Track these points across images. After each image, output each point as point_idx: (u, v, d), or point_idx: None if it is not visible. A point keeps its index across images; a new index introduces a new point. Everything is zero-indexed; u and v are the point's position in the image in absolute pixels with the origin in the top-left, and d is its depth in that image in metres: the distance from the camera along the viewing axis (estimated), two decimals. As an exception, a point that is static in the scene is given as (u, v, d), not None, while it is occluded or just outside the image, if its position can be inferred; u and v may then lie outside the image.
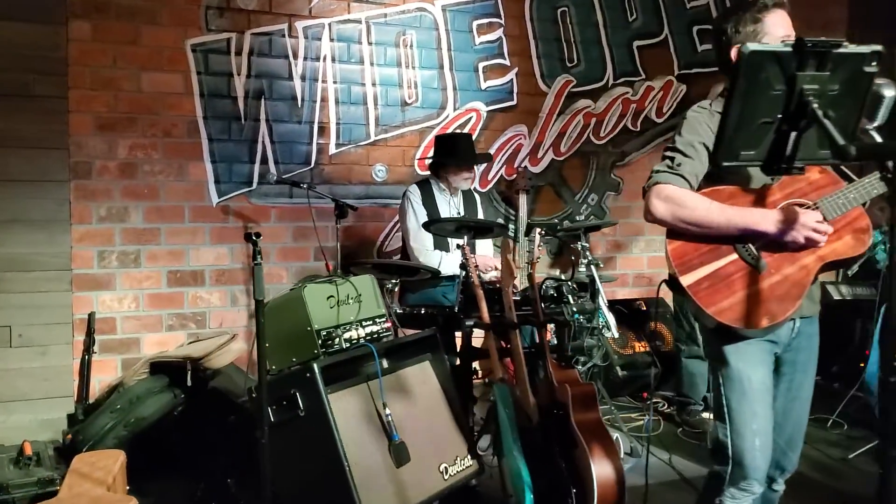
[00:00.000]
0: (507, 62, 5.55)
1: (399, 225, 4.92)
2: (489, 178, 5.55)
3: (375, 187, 5.24)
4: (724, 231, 2.21)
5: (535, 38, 5.61)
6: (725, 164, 1.77)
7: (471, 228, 3.59)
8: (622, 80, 5.88)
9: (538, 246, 3.40)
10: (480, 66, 5.47)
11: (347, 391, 2.87)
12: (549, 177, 5.75)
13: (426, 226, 3.91)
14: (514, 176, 5.51)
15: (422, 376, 3.23)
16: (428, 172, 4.88)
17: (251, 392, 2.87)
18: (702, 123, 2.31)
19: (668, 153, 2.31)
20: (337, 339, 2.90)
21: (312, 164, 5.04)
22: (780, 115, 1.70)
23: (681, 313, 4.68)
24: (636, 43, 5.92)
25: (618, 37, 5.85)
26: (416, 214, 4.47)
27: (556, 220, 5.75)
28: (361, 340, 3.02)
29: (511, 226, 5.19)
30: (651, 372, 5.11)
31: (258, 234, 2.48)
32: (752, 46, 1.66)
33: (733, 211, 2.20)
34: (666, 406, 5.05)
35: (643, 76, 5.94)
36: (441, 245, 4.48)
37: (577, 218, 5.82)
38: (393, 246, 5.30)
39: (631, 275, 6.04)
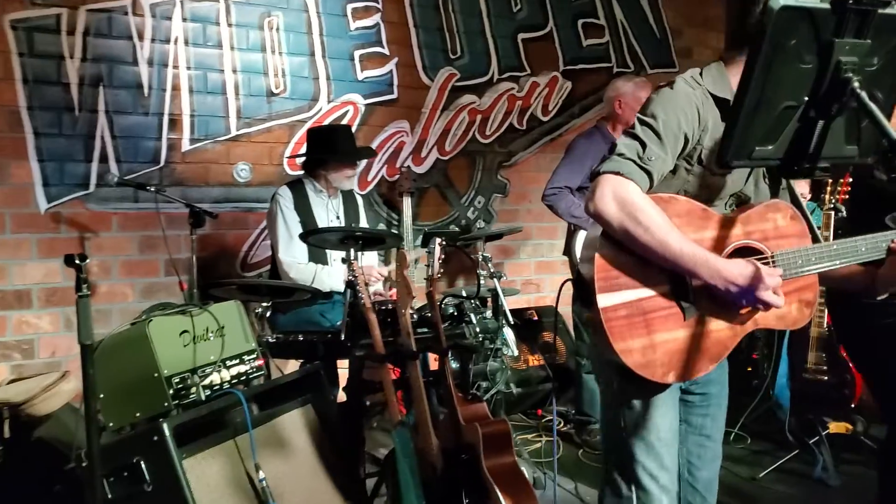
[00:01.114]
0: (386, 51, 5.01)
1: (267, 233, 4.29)
2: (369, 178, 4.99)
3: (237, 189, 4.57)
4: (671, 266, 1.76)
5: (415, 27, 5.11)
6: (735, 163, 1.31)
7: (359, 239, 3.02)
8: (507, 74, 5.48)
9: (439, 259, 2.89)
10: (357, 54, 4.91)
11: (209, 452, 2.25)
12: (434, 178, 5.26)
13: (304, 238, 3.31)
14: (397, 177, 4.98)
15: (303, 424, 2.64)
16: (301, 172, 4.28)
17: (80, 459, 2.19)
18: (692, 104, 1.84)
19: (640, 134, 1.79)
20: (194, 388, 2.27)
21: (162, 163, 4.32)
22: (807, 98, 1.25)
23: (581, 324, 4.30)
24: (521, 36, 5.53)
25: (502, 28, 5.44)
26: (287, 221, 3.86)
27: (456, 228, 5.28)
28: (226, 386, 2.40)
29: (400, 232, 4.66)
30: (547, 387, 4.72)
31: (83, 257, 1.83)
32: (782, 1, 1.20)
33: (692, 249, 1.74)
34: (562, 424, 4.67)
35: (528, 71, 5.56)
36: (317, 257, 3.89)
37: (463, 222, 5.37)
38: (259, 257, 4.65)
39: (518, 281, 5.64)
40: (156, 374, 2.21)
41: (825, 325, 3.85)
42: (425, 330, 3.07)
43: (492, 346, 3.54)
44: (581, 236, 4.21)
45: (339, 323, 3.57)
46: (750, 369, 5.55)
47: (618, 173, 1.74)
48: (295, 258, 3.84)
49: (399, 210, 4.95)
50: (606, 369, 1.96)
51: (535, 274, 5.71)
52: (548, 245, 5.70)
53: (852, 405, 3.87)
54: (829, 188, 3.85)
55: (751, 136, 1.26)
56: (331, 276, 3.83)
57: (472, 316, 3.14)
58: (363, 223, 4.19)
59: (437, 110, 5.22)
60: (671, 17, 6.17)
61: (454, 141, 5.31)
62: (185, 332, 2.33)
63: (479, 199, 5.46)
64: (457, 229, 5.33)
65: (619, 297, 1.77)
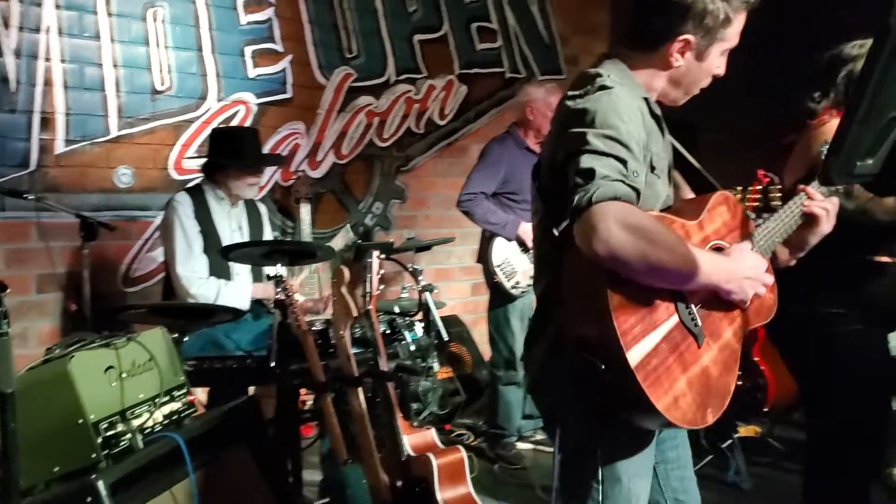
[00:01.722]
0: (280, 48, 4.70)
1: (160, 244, 3.90)
2: (262, 183, 4.65)
3: (118, 196, 4.12)
4: (690, 285, 1.58)
5: (310, 23, 4.82)
6: (840, 180, 1.19)
7: (287, 254, 2.74)
8: (404, 76, 5.29)
9: (378, 273, 2.67)
10: (248, 50, 4.57)
11: (146, 508, 1.92)
12: (330, 183, 4.99)
13: (225, 253, 2.97)
14: (293, 182, 4.67)
15: (240, 465, 2.34)
16: (190, 176, 3.92)
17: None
18: (636, 107, 1.66)
19: (608, 150, 1.54)
20: (126, 434, 1.93)
21: (32, 167, 3.81)
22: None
23: (496, 334, 4.17)
24: (417, 37, 5.36)
25: (398, 29, 5.25)
26: (187, 232, 3.48)
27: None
28: (157, 428, 2.07)
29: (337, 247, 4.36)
30: (457, 401, 4.58)
31: (3, 286, 1.49)
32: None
33: (706, 256, 1.60)
34: (472, 439, 4.53)
35: (425, 73, 5.40)
36: (219, 271, 3.54)
37: (361, 230, 5.13)
38: (143, 271, 4.22)
39: (417, 291, 5.45)
40: (80, 421, 1.86)
41: (739, 330, 3.92)
42: (357, 351, 2.83)
43: (423, 364, 3.34)
44: (499, 244, 4.09)
45: (246, 345, 3.29)
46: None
47: (615, 198, 1.48)
48: (195, 273, 3.48)
49: (294, 218, 4.65)
50: (581, 422, 1.69)
51: (433, 282, 5.53)
52: (445, 253, 5.55)
53: (765, 409, 3.96)
54: (738, 196, 3.93)
55: (857, 149, 1.15)
56: (237, 292, 3.50)
57: (406, 333, 2.93)
58: (267, 234, 3.87)
59: (333, 111, 4.96)
60: (559, 25, 6.19)
61: (351, 144, 5.07)
62: (110, 367, 1.98)
63: (377, 206, 5.24)
64: (355, 238, 5.09)
65: (644, 347, 1.51)
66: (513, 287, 4.06)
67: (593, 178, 1.51)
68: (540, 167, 1.84)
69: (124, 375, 2.00)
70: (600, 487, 1.66)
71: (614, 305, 1.50)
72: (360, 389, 2.51)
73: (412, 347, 2.96)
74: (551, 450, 4.46)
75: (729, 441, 4.00)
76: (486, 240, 4.19)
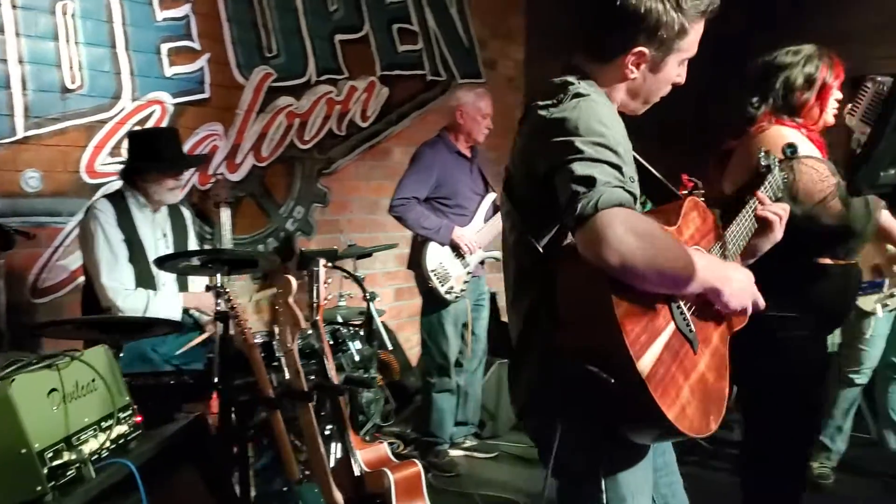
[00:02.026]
0: (197, 46, 4.50)
1: (74, 253, 3.66)
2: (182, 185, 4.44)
3: (26, 201, 3.84)
4: (689, 290, 1.58)
5: (228, 21, 4.64)
6: (865, 188, 1.21)
7: (226, 263, 2.61)
8: (325, 77, 5.17)
9: (324, 282, 2.57)
10: (164, 48, 4.35)
11: (98, 543, 1.77)
12: (250, 186, 4.82)
13: (160, 263, 2.80)
14: (211, 185, 4.48)
15: (186, 485, 2.20)
16: (103, 180, 3.71)
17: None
18: (614, 118, 1.64)
19: (600, 156, 1.52)
20: (75, 463, 1.78)
21: (-71, 170, 3.52)
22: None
23: (430, 340, 4.12)
24: (338, 37, 5.25)
25: (319, 28, 5.12)
26: (110, 240, 3.29)
27: (276, 242, 4.86)
28: (104, 454, 1.92)
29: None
30: (387, 408, 4.50)
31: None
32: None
33: (706, 261, 1.60)
34: (401, 447, 4.46)
35: (346, 74, 5.29)
36: (145, 280, 3.36)
37: (282, 235, 4.98)
38: (53, 280, 3.95)
39: (336, 297, 5.33)
40: (23, 451, 1.69)
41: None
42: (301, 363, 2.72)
43: (366, 374, 3.25)
44: (433, 249, 4.04)
45: (173, 359, 3.13)
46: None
47: (619, 205, 1.47)
48: (122, 284, 3.29)
49: (213, 223, 4.47)
50: (586, 449, 1.64)
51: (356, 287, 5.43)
52: (369, 258, 5.45)
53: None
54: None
55: (883, 159, 1.16)
56: (166, 303, 3.32)
57: (350, 344, 2.84)
58: (192, 241, 3.71)
59: (252, 112, 4.79)
60: (477, 28, 6.20)
61: (271, 146, 4.91)
62: (53, 390, 1.82)
63: (299, 210, 5.10)
64: (276, 244, 4.94)
65: (651, 355, 1.50)
66: (447, 292, 4.03)
67: (594, 185, 1.49)
68: (509, 182, 1.80)
69: (68, 398, 1.85)
70: (605, 482, 1.63)
71: (620, 314, 1.47)
72: (310, 404, 2.41)
73: (356, 358, 2.87)
74: (483, 456, 4.46)
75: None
76: (419, 245, 4.14)
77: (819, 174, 2.44)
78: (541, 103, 1.67)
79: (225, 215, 4.38)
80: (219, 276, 2.56)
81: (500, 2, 6.40)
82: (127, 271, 3.32)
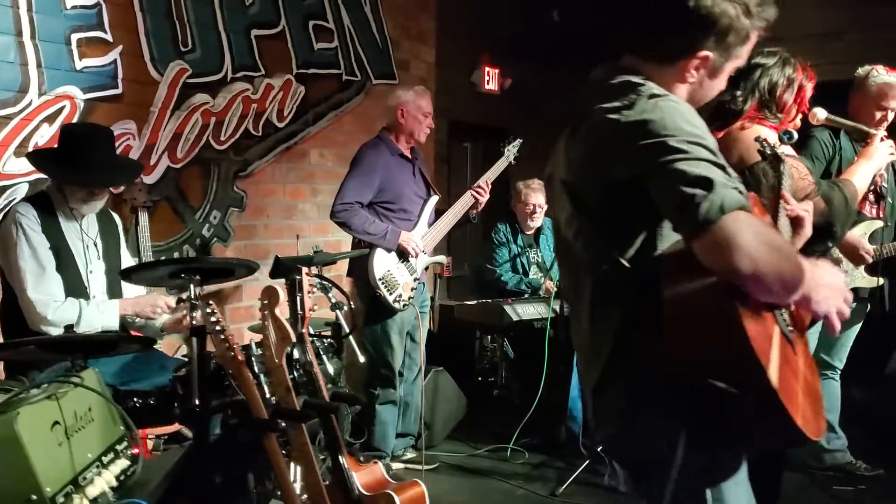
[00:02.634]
0: (109, 37, 4.14)
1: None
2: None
3: (-82, 206, 3.41)
4: (797, 297, 1.50)
5: (142, 11, 4.30)
6: None
7: (198, 272, 2.38)
8: (241, 74, 4.90)
9: (308, 292, 2.40)
10: (74, 38, 3.98)
11: None
12: (165, 189, 4.49)
13: (126, 275, 2.52)
14: (124, 188, 4.12)
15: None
16: (8, 182, 3.36)
17: None
18: (695, 114, 1.58)
19: (705, 156, 1.43)
20: (88, 505, 1.54)
21: None
22: None
23: (374, 351, 3.96)
24: (254, 32, 5.00)
25: (235, 22, 4.85)
26: (36, 249, 2.96)
27: (192, 249, 4.54)
28: (110, 496, 1.67)
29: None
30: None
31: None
32: None
33: (808, 267, 1.51)
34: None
35: (263, 72, 5.04)
36: (74, 290, 3.03)
37: (198, 242, 4.68)
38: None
39: (257, 307, 5.06)
40: (34, 497, 1.45)
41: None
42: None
43: (341, 389, 3.07)
44: (379, 256, 3.88)
45: (110, 379, 2.84)
46: (480, 378, 5.69)
47: (741, 208, 1.39)
48: (51, 295, 2.95)
49: (127, 229, 4.12)
50: (700, 466, 1.55)
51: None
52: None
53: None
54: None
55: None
56: (102, 312, 3.02)
57: (324, 357, 2.67)
58: (123, 249, 3.40)
59: (167, 110, 4.47)
60: (390, 28, 6.08)
61: (187, 147, 4.60)
62: (56, 423, 1.57)
63: (215, 215, 4.81)
64: (193, 252, 4.63)
65: (774, 363, 1.44)
66: (395, 301, 3.89)
67: (713, 187, 1.39)
68: (574, 194, 1.68)
69: (70, 432, 1.60)
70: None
71: (752, 326, 1.41)
72: (303, 425, 2.23)
73: (331, 371, 2.71)
74: (424, 468, 4.31)
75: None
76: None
77: (799, 172, 2.51)
78: (608, 106, 1.57)
79: (143, 220, 4.05)
80: (192, 287, 2.33)
81: (411, 3, 6.30)
82: (55, 282, 3.00)
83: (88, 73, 4.04)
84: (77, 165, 3.08)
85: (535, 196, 5.22)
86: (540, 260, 5.32)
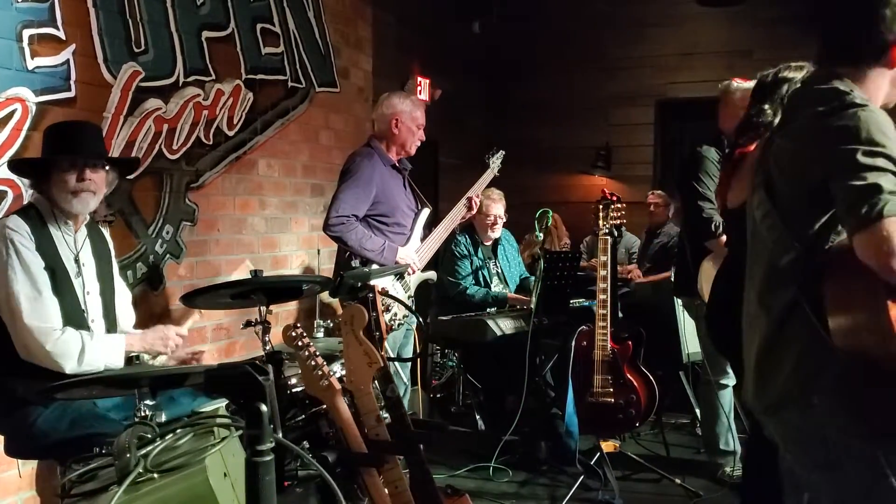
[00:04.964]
0: (62, 35, 3.75)
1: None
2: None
3: None
4: None
5: (95, 7, 3.93)
6: None
7: (270, 291, 2.15)
8: (193, 78, 4.58)
9: (382, 311, 2.23)
10: (26, 34, 3.57)
11: None
12: (117, 202, 4.10)
13: (188, 299, 2.24)
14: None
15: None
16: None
17: None
18: (892, 128, 1.71)
19: (887, 166, 1.62)
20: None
21: None
22: None
23: None
24: (205, 34, 4.69)
25: (187, 22, 4.53)
26: (31, 270, 2.62)
27: (145, 266, 4.16)
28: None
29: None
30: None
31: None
32: None
33: None
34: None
35: (213, 76, 4.73)
36: (73, 317, 2.69)
37: (151, 259, 4.31)
38: None
39: (209, 327, 4.74)
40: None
41: (608, 349, 4.02)
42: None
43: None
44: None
45: (114, 412, 2.57)
46: (435, 395, 5.58)
47: None
48: (49, 323, 2.60)
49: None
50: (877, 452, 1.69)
51: (226, 317, 4.85)
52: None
53: (637, 424, 4.09)
54: (601, 213, 4.05)
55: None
56: (107, 346, 2.69)
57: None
58: (115, 267, 3.06)
59: (120, 115, 4.09)
60: (331, 35, 5.88)
61: (140, 156, 4.23)
62: (225, 475, 1.34)
63: (168, 229, 4.45)
64: (146, 268, 4.27)
65: None
66: (390, 320, 3.71)
67: (880, 193, 1.59)
68: (770, 183, 1.86)
69: (235, 485, 1.38)
70: None
71: (894, 317, 1.57)
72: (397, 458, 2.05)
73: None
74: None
75: (597, 455, 4.10)
76: (350, 269, 3.76)
77: None
78: (817, 110, 1.74)
79: (106, 236, 3.70)
80: (261, 308, 2.10)
81: (349, 10, 6.13)
82: (52, 307, 2.65)
83: (40, 73, 3.64)
84: (65, 146, 2.80)
85: (495, 206, 5.16)
86: (500, 271, 5.26)
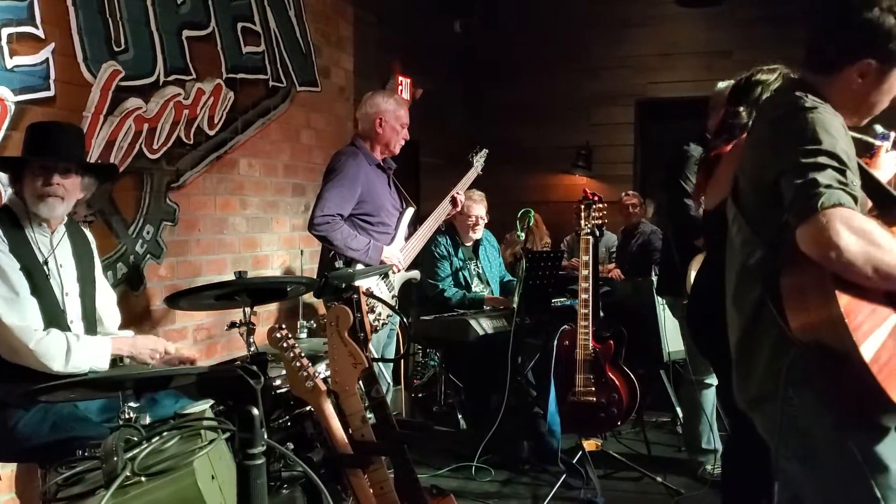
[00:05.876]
0: (41, 33, 3.71)
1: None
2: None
3: None
4: None
5: (74, 5, 3.89)
6: None
7: (254, 293, 2.15)
8: (173, 77, 4.55)
9: (366, 312, 2.23)
10: (4, 33, 3.53)
11: None
12: (98, 202, 4.07)
13: (172, 301, 2.22)
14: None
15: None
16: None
17: None
18: (840, 128, 1.77)
19: (828, 162, 1.68)
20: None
21: None
22: None
23: None
24: (186, 33, 4.65)
25: (167, 21, 4.50)
26: (5, 271, 2.61)
27: (125, 267, 4.13)
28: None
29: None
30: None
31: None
32: None
33: None
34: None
35: (194, 76, 4.71)
36: (53, 317, 2.67)
37: (132, 259, 4.28)
38: None
39: (191, 327, 4.72)
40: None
41: (590, 348, 4.03)
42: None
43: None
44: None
45: (95, 414, 2.56)
46: (422, 395, 5.59)
47: (839, 204, 1.64)
48: (29, 324, 2.58)
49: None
50: (847, 436, 1.74)
51: (206, 318, 4.82)
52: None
53: (618, 422, 4.12)
54: (583, 213, 4.07)
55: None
56: (92, 348, 2.67)
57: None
58: (98, 269, 3.04)
59: (100, 115, 4.06)
60: (312, 34, 5.86)
61: (120, 156, 4.20)
62: (213, 477, 1.34)
63: (148, 230, 4.42)
64: (126, 268, 4.24)
65: (874, 340, 1.66)
66: (374, 321, 3.69)
67: (817, 187, 1.65)
68: (736, 189, 1.95)
69: (224, 488, 1.38)
70: (878, 476, 1.72)
71: (846, 303, 1.64)
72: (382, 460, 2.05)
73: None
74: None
75: (579, 454, 4.12)
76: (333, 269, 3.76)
77: None
78: (770, 116, 1.85)
79: (89, 236, 3.67)
80: (246, 309, 2.10)
81: (330, 9, 6.12)
82: (31, 308, 2.63)
83: (20, 72, 3.60)
84: (39, 148, 2.78)
85: (477, 207, 5.17)
86: (481, 272, 5.27)
